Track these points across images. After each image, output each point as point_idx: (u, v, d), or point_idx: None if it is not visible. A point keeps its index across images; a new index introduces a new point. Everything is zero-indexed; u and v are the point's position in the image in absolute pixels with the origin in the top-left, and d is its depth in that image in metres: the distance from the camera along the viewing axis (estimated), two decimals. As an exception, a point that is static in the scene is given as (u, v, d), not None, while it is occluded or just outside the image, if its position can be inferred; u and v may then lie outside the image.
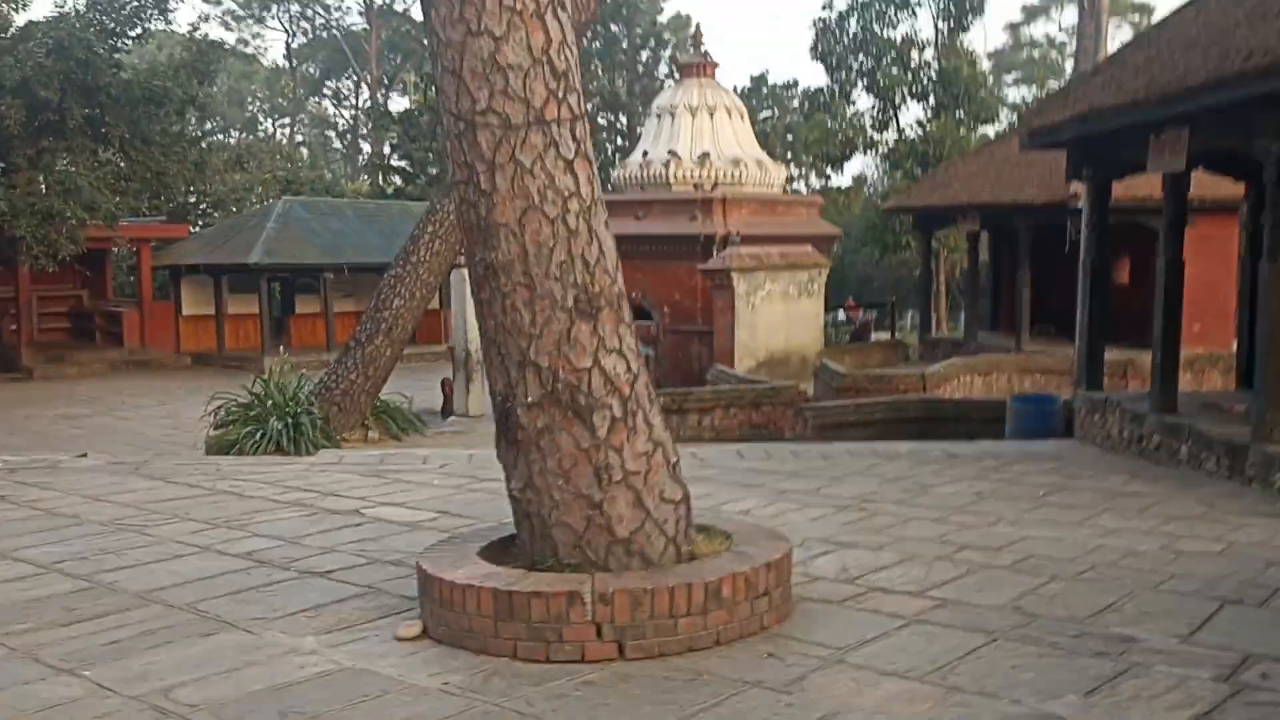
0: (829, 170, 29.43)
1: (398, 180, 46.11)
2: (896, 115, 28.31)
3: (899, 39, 27.02)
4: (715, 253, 20.10)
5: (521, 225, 4.37)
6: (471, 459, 9.52)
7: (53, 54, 21.81)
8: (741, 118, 22.40)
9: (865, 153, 28.33)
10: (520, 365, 4.49)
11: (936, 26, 26.78)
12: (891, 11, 26.31)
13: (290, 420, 12.20)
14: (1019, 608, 4.78)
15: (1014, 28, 62.67)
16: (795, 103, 35.38)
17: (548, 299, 4.41)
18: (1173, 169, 8.57)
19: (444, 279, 13.77)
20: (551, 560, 4.54)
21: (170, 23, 24.66)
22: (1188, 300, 9.79)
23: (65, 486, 8.17)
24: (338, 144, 76.38)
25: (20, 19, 24.73)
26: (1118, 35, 55.52)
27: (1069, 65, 57.82)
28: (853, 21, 27.09)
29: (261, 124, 75.98)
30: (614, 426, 4.52)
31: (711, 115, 21.78)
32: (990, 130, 27.89)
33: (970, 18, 26.42)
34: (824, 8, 27.87)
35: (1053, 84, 43.03)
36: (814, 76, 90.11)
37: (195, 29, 27.02)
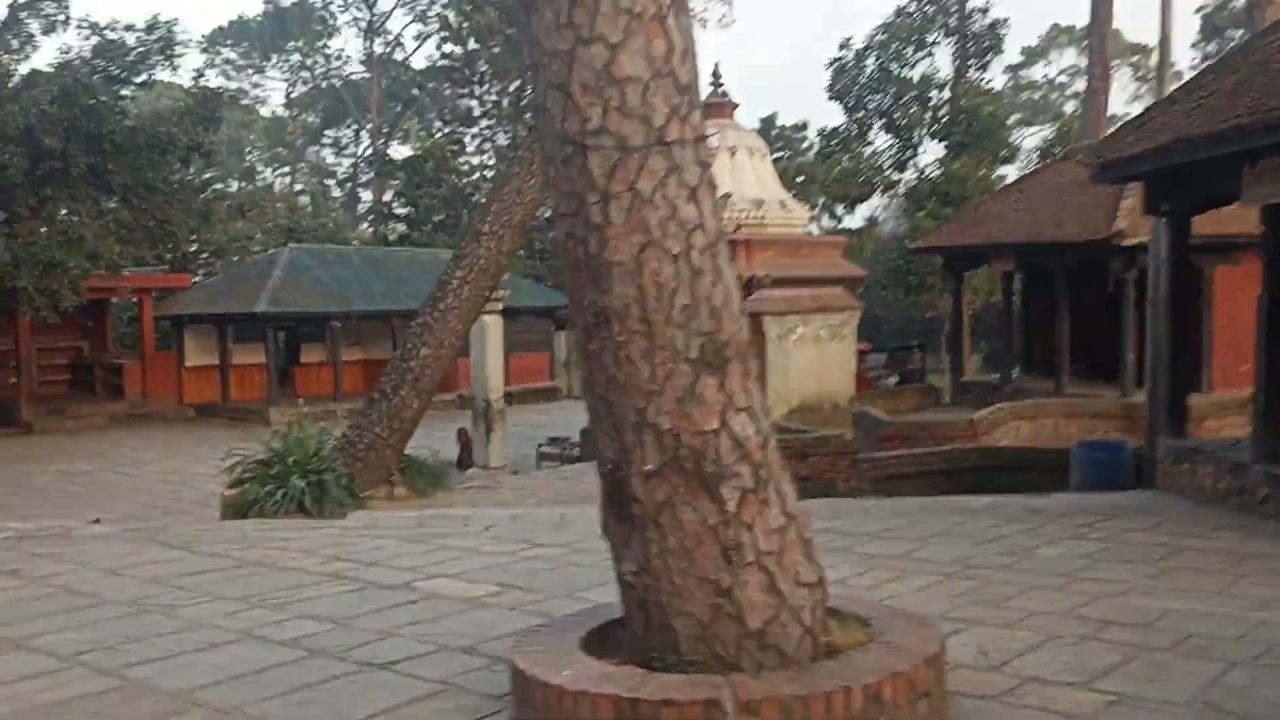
0: (842, 211, 29.01)
1: (401, 227, 45.72)
2: (915, 155, 27.93)
3: (917, 78, 26.68)
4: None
5: (639, 264, 3.73)
6: (516, 520, 8.83)
7: (57, 101, 21.34)
8: (763, 158, 21.90)
9: (884, 193, 27.92)
10: (636, 428, 3.83)
11: (955, 66, 26.46)
12: (909, 51, 25.97)
13: (313, 478, 11.53)
14: (1210, 703, 4.10)
15: (1014, 70, 62.66)
16: (805, 144, 35.07)
17: (669, 349, 3.76)
18: (1273, 199, 7.98)
19: (469, 327, 13.17)
20: (672, 657, 3.86)
21: (176, 69, 24.25)
22: (1238, 340, 9.17)
23: (80, 558, 7.46)
24: (336, 192, 76.20)
25: (24, 68, 24.30)
26: (1117, 77, 55.45)
27: (1068, 106, 57.82)
28: (870, 61, 26.74)
29: (260, 173, 75.86)
30: (744, 499, 3.87)
31: (733, 155, 21.28)
32: (1007, 170, 27.53)
33: (989, 56, 26.11)
34: (841, 48, 27.61)
35: (1047, 126, 42.71)
36: (821, 116, 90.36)
37: (200, 75, 26.62)
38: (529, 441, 21.68)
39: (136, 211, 23.97)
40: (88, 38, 22.90)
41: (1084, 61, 60.52)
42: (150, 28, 23.23)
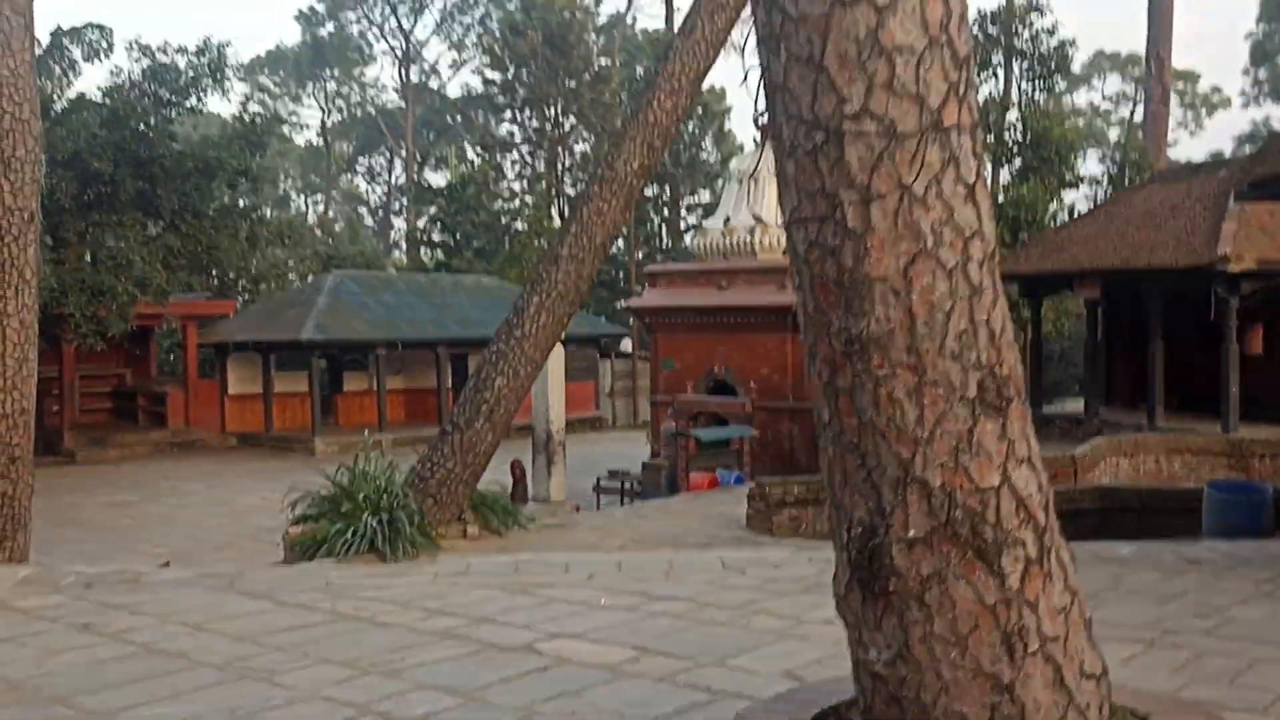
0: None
1: (439, 254, 45.34)
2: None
3: (983, 100, 25.89)
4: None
5: (909, 280, 3.01)
6: (622, 568, 8.08)
7: (107, 125, 20.95)
8: (826, 182, 21.18)
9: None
10: (898, 483, 3.09)
11: (1019, 87, 25.70)
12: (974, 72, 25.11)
13: (385, 516, 10.82)
14: None
15: (1057, 96, 61.72)
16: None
17: (942, 386, 3.03)
18: None
19: (547, 356, 12.47)
20: (937, 767, 3.11)
21: (227, 91, 23.83)
22: None
23: (157, 610, 6.78)
24: (369, 220, 76.26)
25: (71, 92, 23.95)
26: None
27: (1113, 133, 56.86)
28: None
29: (294, 200, 76.06)
30: (1027, 571, 3.11)
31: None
32: (1069, 195, 26.68)
33: (1057, 78, 25.34)
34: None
35: (1095, 151, 41.84)
36: None
37: (248, 100, 26.21)
38: (582, 474, 20.96)
39: (184, 237, 23.54)
40: (138, 60, 22.55)
41: (1129, 87, 59.76)
42: (200, 51, 22.86)
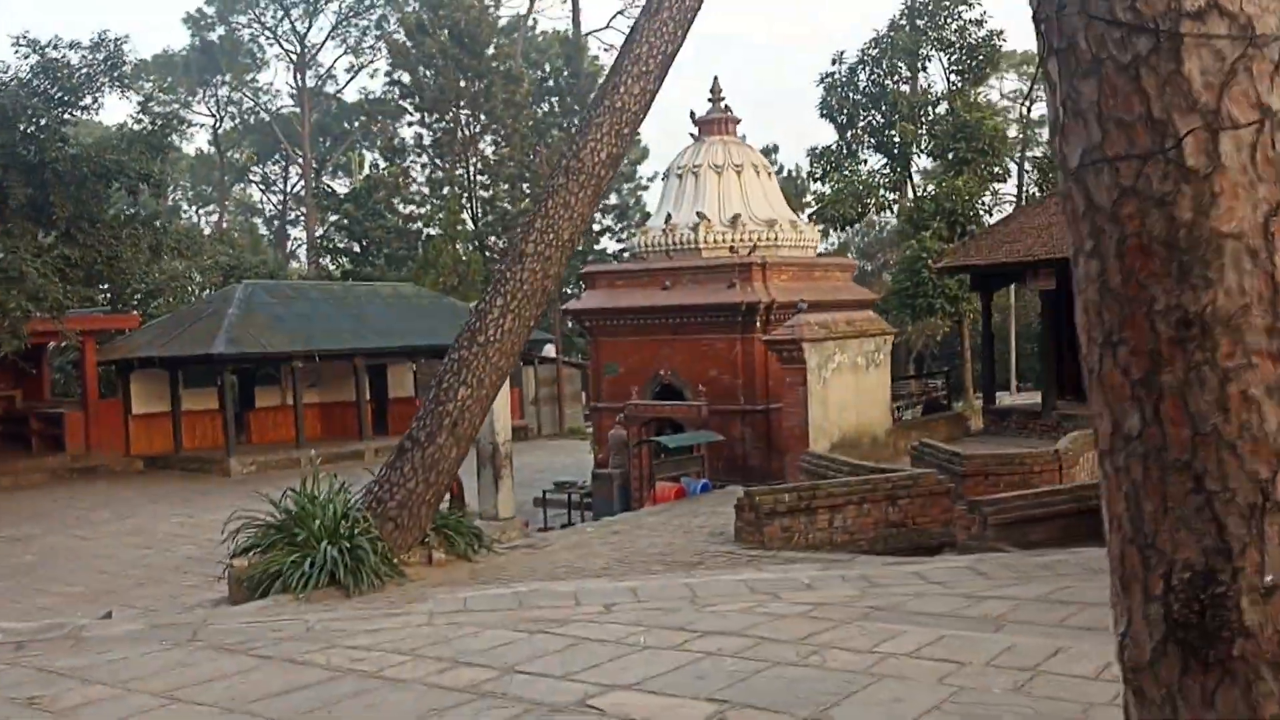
0: (832, 234, 27.83)
1: (346, 262, 43.75)
2: (909, 174, 26.86)
3: (910, 93, 25.66)
4: (758, 323, 18.11)
5: (1271, 237, 2.21)
6: (639, 595, 7.21)
7: (-8, 125, 19.27)
8: (769, 176, 20.59)
9: (879, 213, 26.85)
10: (1252, 513, 2.27)
11: (949, 81, 25.45)
12: (902, 66, 24.90)
13: (346, 544, 9.78)
14: None
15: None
16: (775, 169, 34.00)
17: (1317, 380, 2.24)
18: None
19: (514, 362, 11.50)
20: None
21: (127, 89, 22.18)
22: None
23: (113, 676, 5.70)
24: (264, 230, 73.83)
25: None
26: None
27: (1012, 130, 57.63)
28: (863, 76, 25.63)
29: (185, 211, 73.21)
30: None
31: (739, 174, 19.93)
32: (999, 187, 26.56)
33: (986, 69, 25.16)
34: (833, 62, 26.43)
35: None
36: (786, 141, 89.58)
37: (148, 100, 24.60)
38: (518, 486, 19.97)
39: (82, 248, 21.85)
40: (26, 57, 20.80)
41: (1024, 85, 60.71)
42: (95, 46, 21.23)
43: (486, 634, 6.29)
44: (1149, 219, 2.27)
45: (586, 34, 51.69)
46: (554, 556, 10.84)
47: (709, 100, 20.52)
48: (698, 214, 19.27)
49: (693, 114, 20.71)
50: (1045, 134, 52.94)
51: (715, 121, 20.45)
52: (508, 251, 11.26)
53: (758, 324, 18.12)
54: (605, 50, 71.57)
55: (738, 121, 20.75)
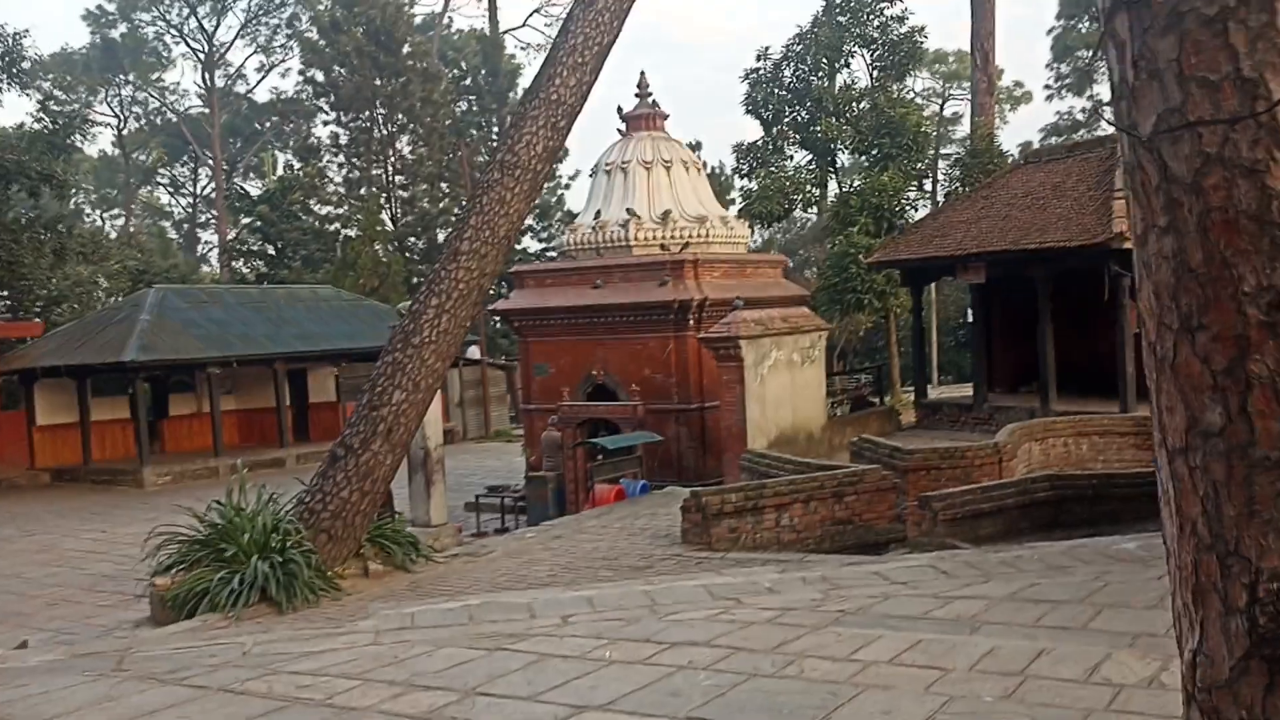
0: (758, 230, 27.73)
1: (260, 265, 42.63)
2: (834, 170, 26.89)
3: (835, 90, 25.65)
4: (691, 321, 17.89)
5: None
6: (595, 605, 6.91)
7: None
8: (698, 172, 20.38)
9: (805, 210, 26.83)
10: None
11: (872, 77, 25.51)
12: (825, 62, 24.86)
13: (276, 559, 9.31)
14: None
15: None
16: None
17: None
18: None
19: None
20: None
21: (26, 86, 21.18)
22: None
23: (31, 712, 5.22)
24: (173, 234, 71.79)
25: None
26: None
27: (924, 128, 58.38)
28: (787, 72, 25.56)
29: (88, 215, 70.85)
30: None
31: (668, 170, 19.69)
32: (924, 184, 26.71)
33: (908, 65, 25.26)
34: (758, 59, 26.31)
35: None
36: (708, 137, 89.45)
37: (48, 99, 23.56)
38: (450, 491, 19.49)
39: (-20, 252, 20.83)
40: (-84, 51, 19.76)
41: (937, 84, 61.60)
42: (-10, 40, 20.27)
43: (440, 653, 5.93)
44: (1236, 190, 2.05)
45: (504, 32, 51.17)
46: (496, 564, 10.47)
47: (635, 95, 20.26)
48: (628, 211, 19.00)
49: (620, 109, 20.44)
50: (960, 131, 53.79)
51: (643, 117, 20.20)
52: (442, 250, 10.87)
53: (691, 322, 17.91)
54: (523, 49, 71.27)
55: (665, 117, 20.52)
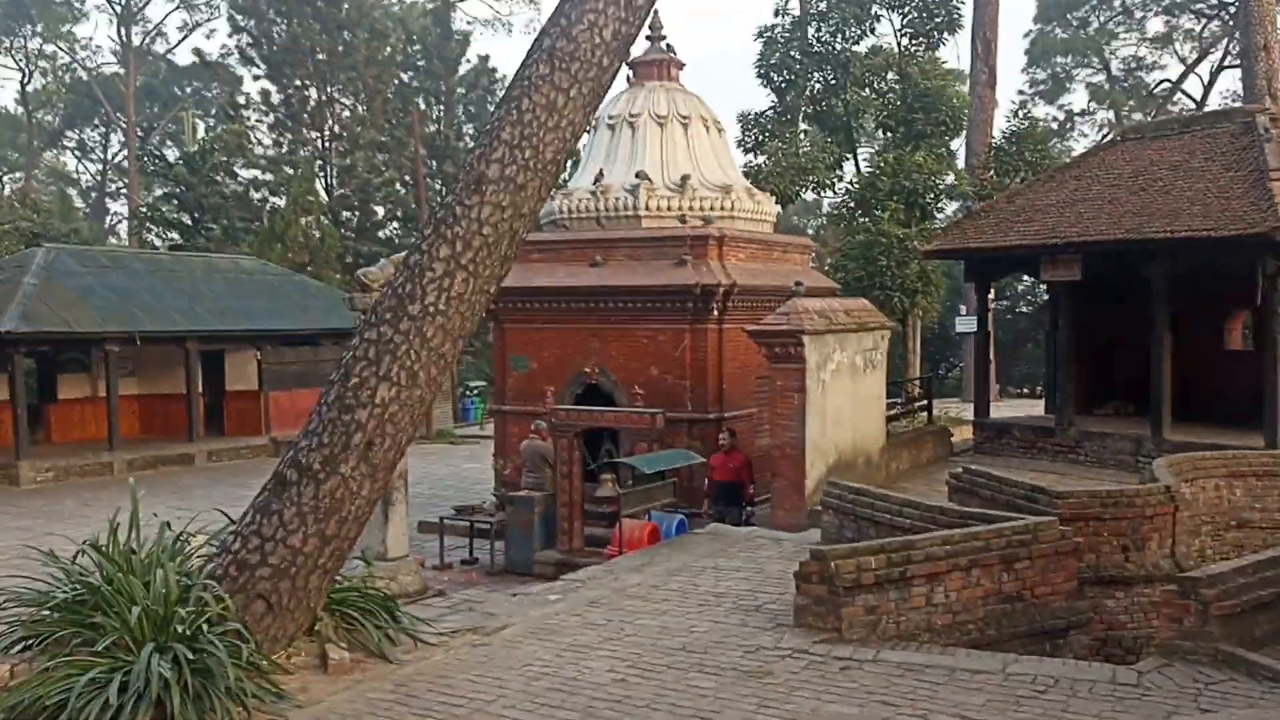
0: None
1: (175, 235, 38.16)
2: (855, 146, 23.66)
3: (863, 55, 22.47)
4: (714, 310, 14.49)
5: None
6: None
7: None
8: (720, 133, 16.94)
9: (818, 192, 23.59)
10: None
11: (900, 45, 22.33)
12: (851, 25, 21.62)
13: (183, 649, 5.73)
14: None
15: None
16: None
17: None
18: None
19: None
20: None
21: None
22: None
23: None
24: (79, 202, 66.32)
25: None
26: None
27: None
28: (809, 33, 22.25)
29: (-16, 178, 65.06)
30: None
31: (686, 127, 16.26)
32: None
33: (943, 31, 22.14)
34: (776, 14, 22.94)
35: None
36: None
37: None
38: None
39: None
40: None
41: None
42: None
43: None
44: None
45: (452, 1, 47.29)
46: (521, 653, 6.93)
47: (647, 39, 16.81)
48: (638, 174, 15.51)
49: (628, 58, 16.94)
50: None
51: (655, 64, 16.75)
52: (458, 178, 7.30)
53: (715, 312, 14.51)
54: (469, 23, 67.17)
55: (681, 66, 17.10)
